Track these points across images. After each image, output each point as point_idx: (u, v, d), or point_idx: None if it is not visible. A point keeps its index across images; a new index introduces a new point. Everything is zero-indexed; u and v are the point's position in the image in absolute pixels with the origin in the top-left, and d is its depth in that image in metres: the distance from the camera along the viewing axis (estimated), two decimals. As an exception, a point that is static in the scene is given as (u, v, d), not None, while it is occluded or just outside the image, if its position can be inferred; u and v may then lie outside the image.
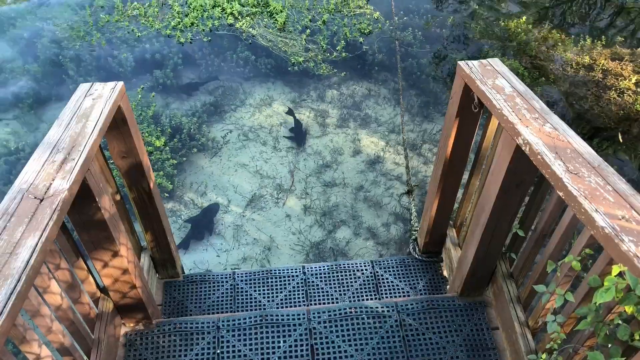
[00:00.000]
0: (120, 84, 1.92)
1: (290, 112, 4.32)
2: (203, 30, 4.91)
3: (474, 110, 2.11)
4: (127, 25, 4.94)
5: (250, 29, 4.91)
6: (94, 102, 1.82)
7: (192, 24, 4.93)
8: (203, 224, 3.53)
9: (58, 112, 1.90)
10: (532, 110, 1.73)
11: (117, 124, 1.94)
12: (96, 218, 1.68)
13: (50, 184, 1.41)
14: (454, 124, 2.24)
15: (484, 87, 1.88)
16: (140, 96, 4.28)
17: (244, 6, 5.10)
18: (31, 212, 1.31)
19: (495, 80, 1.92)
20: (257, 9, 5.08)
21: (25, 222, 1.28)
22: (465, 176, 2.47)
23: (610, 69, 4.53)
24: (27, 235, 1.24)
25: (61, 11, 5.19)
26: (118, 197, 2.11)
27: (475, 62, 2.07)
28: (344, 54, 4.76)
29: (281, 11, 5.09)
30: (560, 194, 1.38)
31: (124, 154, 2.07)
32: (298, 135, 4.17)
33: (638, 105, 4.20)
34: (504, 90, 1.85)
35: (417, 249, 2.85)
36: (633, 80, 4.36)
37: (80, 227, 1.71)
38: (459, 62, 2.10)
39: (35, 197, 1.35)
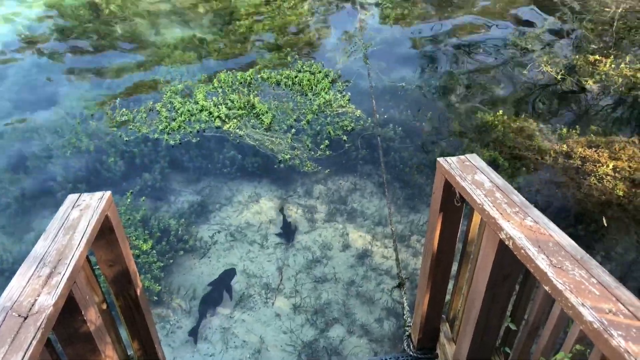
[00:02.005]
0: (108, 193, 1.95)
1: (281, 208, 4.37)
2: (190, 132, 5.04)
3: (456, 204, 2.16)
4: (116, 131, 5.06)
5: (238, 130, 5.05)
6: (81, 213, 1.84)
7: (180, 127, 5.06)
8: (221, 289, 3.67)
9: (45, 221, 1.91)
10: (512, 205, 1.77)
11: (104, 233, 1.95)
12: (82, 331, 1.65)
13: (36, 299, 1.39)
14: (438, 218, 2.27)
15: (464, 183, 1.93)
16: (129, 200, 4.32)
17: (230, 109, 5.28)
18: (14, 331, 1.29)
19: (474, 175, 1.98)
20: (243, 111, 5.25)
21: (8, 342, 1.26)
22: (455, 267, 2.48)
23: (587, 156, 4.67)
24: (9, 357, 1.22)
25: (52, 121, 5.32)
26: (104, 306, 2.08)
27: (454, 159, 2.13)
28: (328, 152, 4.88)
29: (267, 112, 5.26)
30: (546, 288, 1.39)
31: (110, 262, 2.06)
32: (286, 231, 4.19)
33: (618, 190, 4.30)
34: (484, 185, 1.90)
35: (411, 346, 2.79)
36: (610, 167, 4.49)
37: (64, 341, 1.67)
38: (438, 159, 2.17)
39: (19, 315, 1.33)
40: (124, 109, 5.33)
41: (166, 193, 4.54)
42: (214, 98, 5.42)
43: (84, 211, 1.85)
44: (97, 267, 2.11)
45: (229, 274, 3.83)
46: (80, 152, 4.88)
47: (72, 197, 1.95)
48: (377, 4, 7.16)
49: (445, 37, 6.63)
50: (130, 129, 5.09)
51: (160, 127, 5.06)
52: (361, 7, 7.06)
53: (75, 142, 4.97)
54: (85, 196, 1.95)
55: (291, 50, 6.28)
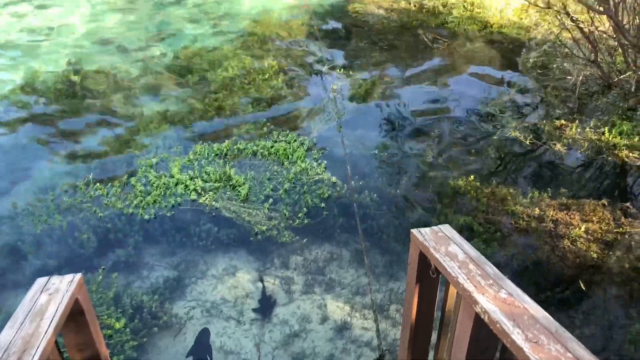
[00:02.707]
0: (78, 276, 1.91)
1: (257, 281, 4.32)
2: (165, 206, 5.01)
3: (432, 275, 2.16)
4: (90, 207, 5.01)
5: (214, 202, 5.04)
6: (50, 298, 1.79)
7: (155, 201, 5.04)
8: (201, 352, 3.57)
9: (14, 303, 1.85)
10: (486, 277, 1.77)
11: (74, 317, 1.90)
12: None
13: (-3, 395, 1.33)
14: (415, 289, 2.27)
15: (438, 255, 1.94)
16: (101, 277, 4.23)
17: (206, 182, 5.29)
18: None
19: (448, 247, 1.99)
20: (219, 184, 5.26)
21: None
22: (434, 336, 2.45)
23: (560, 219, 4.75)
24: None
25: (24, 197, 5.26)
26: (73, 396, 2.00)
27: (428, 230, 2.15)
28: (306, 220, 4.88)
29: (243, 183, 5.28)
30: (524, 364, 1.38)
31: (80, 346, 2.00)
32: (264, 305, 4.12)
33: (592, 253, 4.35)
34: (458, 257, 1.92)
35: (393, 422, 2.71)
36: (583, 229, 4.56)
37: None
38: (412, 230, 2.18)
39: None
40: (98, 184, 5.30)
41: (140, 268, 4.46)
42: (189, 171, 5.44)
43: (53, 295, 1.80)
44: (65, 349, 2.04)
45: (204, 334, 3.77)
46: (52, 229, 4.81)
47: (40, 281, 1.90)
48: (347, 75, 7.37)
49: (416, 104, 6.81)
50: (105, 204, 5.05)
51: (134, 202, 5.03)
52: (333, 78, 7.26)
53: (48, 219, 4.90)
54: (55, 279, 1.91)
55: (267, 121, 6.37)
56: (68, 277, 1.89)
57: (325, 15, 9.27)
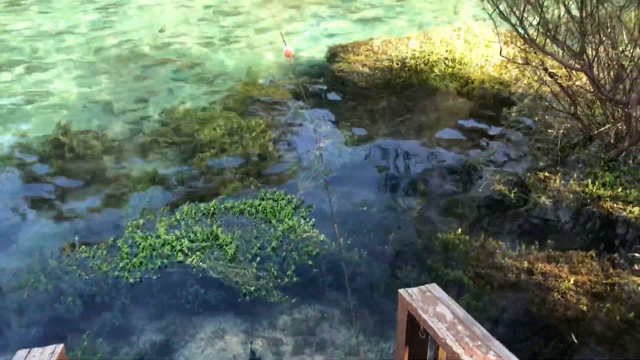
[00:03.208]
0: (60, 347, 1.87)
1: (247, 344, 4.24)
2: (152, 268, 4.96)
3: (421, 336, 2.13)
4: (75, 269, 4.95)
5: (201, 263, 5.00)
6: (30, 372, 1.75)
7: (141, 263, 4.99)
8: None
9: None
10: (474, 338, 1.76)
11: (54, 392, 1.84)
12: None
13: None
14: (404, 351, 2.24)
15: (426, 316, 1.93)
16: (86, 343, 4.13)
17: (193, 242, 5.26)
18: None
19: (435, 307, 1.98)
20: (206, 244, 5.23)
21: None
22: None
23: (548, 271, 4.75)
24: None
25: (7, 261, 5.19)
26: None
27: (415, 290, 2.15)
28: (295, 279, 4.84)
29: (231, 242, 5.25)
30: None
31: (61, 422, 1.93)
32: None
33: (582, 305, 4.33)
34: (446, 318, 1.90)
35: None
36: (572, 281, 4.56)
37: None
38: (400, 291, 2.18)
39: None
40: (84, 246, 5.25)
41: (126, 333, 4.37)
42: (176, 231, 5.41)
43: (33, 370, 1.76)
44: None
45: None
46: (37, 293, 4.73)
47: (20, 354, 1.86)
48: (334, 132, 7.47)
49: (402, 159, 6.89)
50: (90, 266, 4.99)
51: (120, 264, 4.97)
52: (320, 135, 7.35)
53: (33, 282, 4.82)
54: (36, 351, 1.86)
55: (254, 179, 6.40)
56: (49, 348, 1.85)
57: (310, 73, 9.47)
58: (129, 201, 6.11)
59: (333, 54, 10.19)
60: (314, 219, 5.63)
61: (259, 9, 12.51)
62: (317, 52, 10.45)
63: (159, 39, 10.98)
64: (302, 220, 5.61)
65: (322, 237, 5.36)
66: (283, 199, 5.96)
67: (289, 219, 5.59)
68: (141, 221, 5.65)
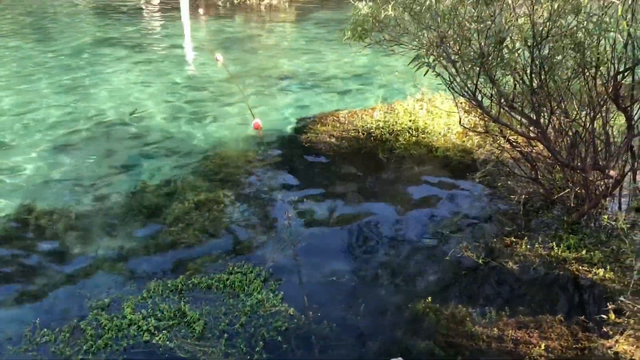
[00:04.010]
0: None
1: None
2: (117, 349, 4.80)
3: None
4: (35, 355, 4.75)
5: (168, 342, 4.86)
6: None
7: (106, 345, 4.83)
8: None
9: None
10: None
11: None
12: None
13: None
14: None
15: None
16: None
17: (160, 320, 5.13)
18: None
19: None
20: (174, 321, 5.11)
21: None
22: None
23: (519, 337, 4.75)
24: None
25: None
26: None
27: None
28: (264, 355, 4.73)
29: (198, 319, 5.14)
30: None
31: None
32: None
33: (554, 372, 4.31)
34: (409, 396, 1.88)
35: None
36: (543, 347, 4.56)
37: None
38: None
39: None
40: (45, 329, 5.07)
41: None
42: (143, 310, 5.28)
43: None
44: None
45: None
46: (-7, 381, 4.51)
47: None
48: (303, 202, 7.52)
49: (371, 227, 6.93)
50: (52, 351, 4.80)
51: (84, 347, 4.80)
52: (289, 205, 7.39)
53: (-11, 370, 4.61)
54: None
55: (222, 252, 6.35)
56: None
57: (279, 144, 9.63)
58: (94, 280, 5.96)
59: (301, 125, 10.41)
60: (282, 292, 5.57)
61: (228, 83, 12.78)
62: (285, 123, 10.67)
63: (125, 115, 11.07)
64: (271, 294, 5.55)
65: (291, 310, 5.29)
66: (251, 271, 5.90)
67: (258, 293, 5.53)
68: (107, 301, 5.51)
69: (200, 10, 21.81)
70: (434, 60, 5.48)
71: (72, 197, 7.84)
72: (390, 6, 5.96)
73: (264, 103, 11.90)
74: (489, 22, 4.92)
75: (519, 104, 6.14)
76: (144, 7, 23.37)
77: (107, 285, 5.85)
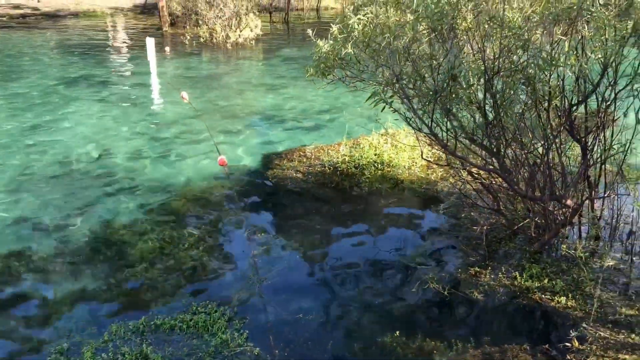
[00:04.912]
0: None
1: None
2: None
3: None
4: (-11, 406, 4.57)
5: (128, 387, 4.72)
6: None
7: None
8: None
9: None
10: None
11: None
12: None
13: None
14: None
15: None
16: None
17: (120, 364, 5.00)
18: None
19: None
20: (134, 365, 4.99)
21: None
22: None
23: (484, 369, 4.75)
24: None
25: None
26: None
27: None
28: (228, 397, 4.63)
29: (161, 362, 5.03)
30: None
31: None
32: None
33: (518, 403, 4.32)
34: None
35: None
36: (507, 378, 4.57)
37: None
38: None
39: None
40: (0, 378, 4.89)
41: None
42: (103, 354, 5.13)
43: None
44: None
45: None
46: None
47: None
48: (269, 239, 7.49)
49: (337, 262, 6.92)
50: (6, 401, 4.63)
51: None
52: (254, 243, 7.34)
53: None
54: None
55: (186, 292, 6.26)
56: None
57: (245, 181, 9.61)
58: (54, 325, 5.79)
59: (267, 161, 10.44)
60: (247, 331, 5.50)
61: (194, 121, 12.79)
62: (252, 160, 10.68)
63: (90, 155, 10.95)
64: (236, 333, 5.46)
65: (256, 350, 5.22)
66: (216, 311, 5.81)
67: (222, 333, 5.43)
68: (66, 346, 5.35)
69: (167, 48, 21.87)
70: (390, 97, 5.60)
71: (32, 239, 7.66)
72: (349, 44, 6.07)
73: (231, 139, 11.92)
74: (442, 59, 5.08)
75: (479, 137, 6.29)
76: (112, 45, 23.39)
77: (67, 329, 5.69)
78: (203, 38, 23.11)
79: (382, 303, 6.07)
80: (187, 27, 25.42)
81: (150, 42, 19.20)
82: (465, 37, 5.72)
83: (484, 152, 6.44)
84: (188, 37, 22.95)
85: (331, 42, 6.52)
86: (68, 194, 9.17)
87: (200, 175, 9.88)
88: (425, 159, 7.38)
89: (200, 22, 24.07)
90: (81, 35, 26.05)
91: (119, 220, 8.16)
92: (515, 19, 5.25)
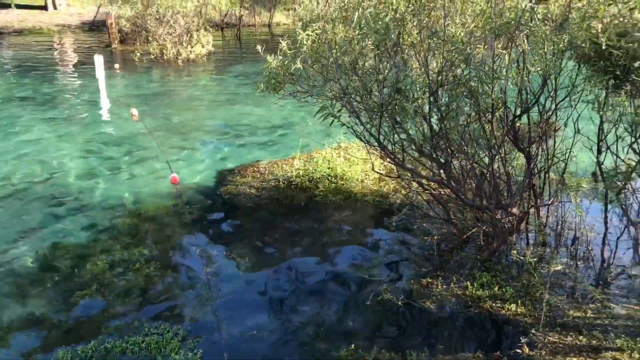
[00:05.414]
0: None
1: None
2: None
3: None
4: None
5: (77, 414, 4.57)
6: None
7: (7, 423, 4.48)
8: None
9: None
10: None
11: None
12: None
13: None
14: None
15: None
16: None
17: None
18: None
19: None
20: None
21: None
22: None
23: (437, 378, 4.81)
24: None
25: None
26: None
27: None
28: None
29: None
30: None
31: None
32: None
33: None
34: None
35: None
36: (459, 386, 4.63)
37: None
38: None
39: None
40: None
41: None
42: (49, 381, 4.97)
43: None
44: None
45: None
46: None
47: None
48: (223, 256, 7.41)
49: (293, 277, 6.91)
50: None
51: None
52: (207, 260, 7.26)
53: None
54: None
55: (138, 313, 6.13)
56: None
57: (198, 198, 9.50)
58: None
59: (220, 178, 10.35)
60: (201, 350, 5.42)
61: (145, 138, 12.59)
62: (204, 176, 10.57)
63: (38, 175, 10.63)
64: (190, 353, 5.38)
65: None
66: (169, 331, 5.70)
67: (175, 354, 5.34)
68: (9, 375, 5.15)
69: (116, 66, 21.50)
70: (339, 111, 5.67)
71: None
72: (298, 60, 6.12)
73: (183, 157, 11.78)
74: (387, 73, 5.18)
75: (428, 148, 6.41)
76: (60, 63, 22.86)
77: (12, 356, 5.48)
78: (153, 55, 22.83)
79: (337, 317, 6.08)
80: (137, 44, 25.05)
81: (98, 59, 18.87)
82: (411, 51, 5.85)
83: (433, 163, 6.57)
84: (138, 54, 22.61)
85: (280, 57, 6.55)
86: (14, 215, 8.87)
87: (151, 194, 9.72)
88: (376, 172, 7.47)
89: (150, 38, 23.76)
90: (27, 53, 25.36)
91: (68, 241, 7.93)
92: (457, 34, 5.40)
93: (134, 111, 13.50)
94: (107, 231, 8.25)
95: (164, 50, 22.84)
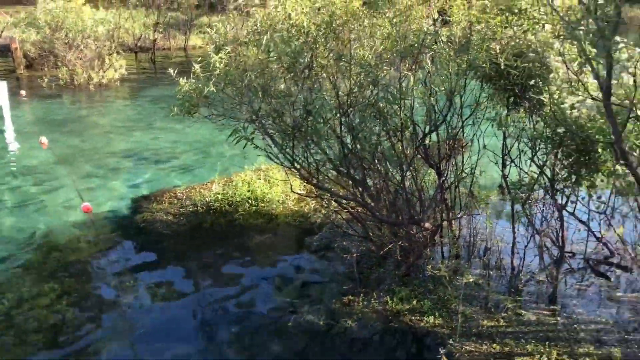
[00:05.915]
0: None
1: None
2: None
3: None
4: None
5: None
6: None
7: None
8: None
9: None
10: None
11: None
12: None
13: None
14: None
15: None
16: None
17: None
18: None
19: None
20: None
21: None
22: None
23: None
24: None
25: None
26: None
27: None
28: None
29: None
30: None
31: None
32: None
33: None
34: None
35: None
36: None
37: None
38: None
39: None
40: None
41: None
42: None
43: None
44: None
45: None
46: None
47: None
48: (141, 285, 7.18)
49: (213, 304, 6.78)
50: None
51: None
52: (124, 291, 7.00)
53: None
54: None
55: (49, 352, 5.81)
56: None
57: (112, 227, 9.17)
58: None
59: (136, 205, 10.04)
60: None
61: (54, 167, 12.04)
62: (119, 204, 10.22)
63: None
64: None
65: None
66: None
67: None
68: None
69: (22, 92, 20.49)
70: (252, 134, 5.68)
71: None
72: (211, 83, 6.09)
73: (95, 184, 11.34)
74: (298, 96, 5.25)
75: (343, 168, 6.52)
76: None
77: None
78: (63, 80, 21.93)
79: (260, 342, 6.02)
80: (46, 69, 24.05)
81: (2, 85, 17.94)
82: (324, 74, 5.97)
83: (349, 182, 6.68)
84: (46, 80, 21.66)
85: (193, 80, 6.49)
86: None
87: (62, 225, 9.28)
88: (296, 192, 7.51)
89: (59, 63, 22.86)
90: None
91: (-32, 280, 7.42)
92: (366, 57, 5.57)
93: (43, 139, 12.93)
94: (14, 267, 7.77)
95: (74, 76, 22.00)
